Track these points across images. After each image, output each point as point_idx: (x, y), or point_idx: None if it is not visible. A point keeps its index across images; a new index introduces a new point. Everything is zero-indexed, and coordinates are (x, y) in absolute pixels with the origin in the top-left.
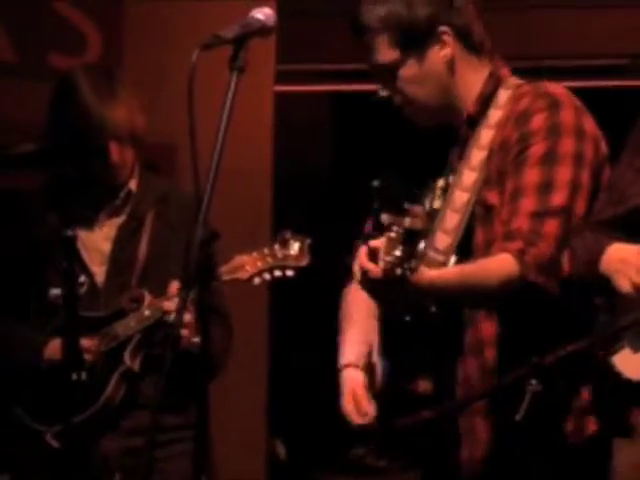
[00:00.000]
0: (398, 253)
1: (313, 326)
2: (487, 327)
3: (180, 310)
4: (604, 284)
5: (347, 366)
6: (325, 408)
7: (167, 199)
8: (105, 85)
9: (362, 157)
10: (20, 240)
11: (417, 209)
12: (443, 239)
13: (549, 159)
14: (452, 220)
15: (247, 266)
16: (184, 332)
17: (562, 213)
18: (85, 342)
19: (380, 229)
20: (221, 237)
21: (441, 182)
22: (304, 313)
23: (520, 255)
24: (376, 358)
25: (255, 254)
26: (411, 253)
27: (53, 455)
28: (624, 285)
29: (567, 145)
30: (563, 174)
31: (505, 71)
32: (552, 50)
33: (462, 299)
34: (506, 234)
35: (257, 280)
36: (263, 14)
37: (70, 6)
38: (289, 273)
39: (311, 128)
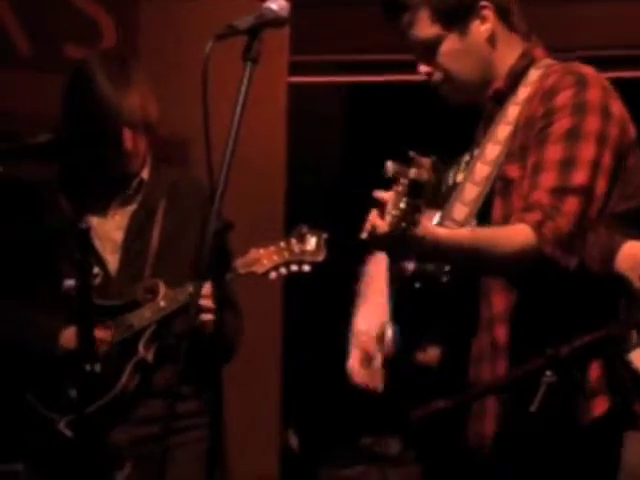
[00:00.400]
0: (403, 205)
1: (326, 318)
2: (499, 301)
3: (197, 295)
4: (619, 282)
5: (360, 333)
6: (337, 399)
7: (178, 187)
8: (119, 72)
9: (376, 148)
10: (33, 229)
11: (424, 160)
12: (461, 210)
13: (572, 135)
14: (471, 192)
15: (263, 260)
16: (208, 316)
17: (583, 192)
18: (100, 332)
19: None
20: (234, 228)
21: (467, 157)
22: (317, 305)
23: (538, 227)
24: (387, 322)
25: (272, 248)
26: (415, 205)
27: (65, 443)
28: (635, 281)
29: (592, 123)
30: (586, 152)
31: (539, 51)
32: (587, 41)
33: (472, 262)
34: (525, 206)
35: (273, 274)
36: (277, 5)
37: None
38: (305, 268)
39: (325, 119)
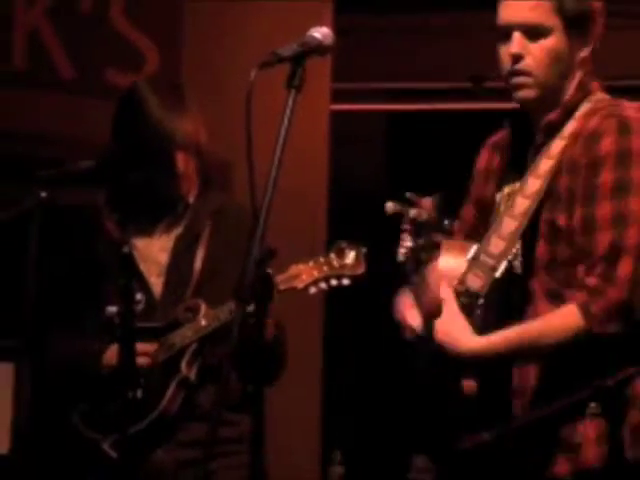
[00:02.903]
0: (409, 244)
1: (367, 339)
2: None
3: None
4: None
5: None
6: (379, 422)
7: (223, 212)
8: (171, 96)
9: (417, 175)
10: (78, 254)
11: (424, 200)
12: (498, 244)
13: (620, 190)
14: (509, 226)
15: (303, 275)
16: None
17: (637, 250)
18: (142, 346)
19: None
20: (278, 254)
21: (517, 184)
22: (358, 327)
23: (586, 307)
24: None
25: (311, 263)
26: (422, 244)
27: (108, 464)
28: None
29: (637, 174)
30: (635, 206)
31: (595, 84)
32: None
33: (523, 356)
34: (579, 281)
35: (313, 289)
36: (320, 33)
37: (128, 23)
38: (345, 282)
39: (366, 146)
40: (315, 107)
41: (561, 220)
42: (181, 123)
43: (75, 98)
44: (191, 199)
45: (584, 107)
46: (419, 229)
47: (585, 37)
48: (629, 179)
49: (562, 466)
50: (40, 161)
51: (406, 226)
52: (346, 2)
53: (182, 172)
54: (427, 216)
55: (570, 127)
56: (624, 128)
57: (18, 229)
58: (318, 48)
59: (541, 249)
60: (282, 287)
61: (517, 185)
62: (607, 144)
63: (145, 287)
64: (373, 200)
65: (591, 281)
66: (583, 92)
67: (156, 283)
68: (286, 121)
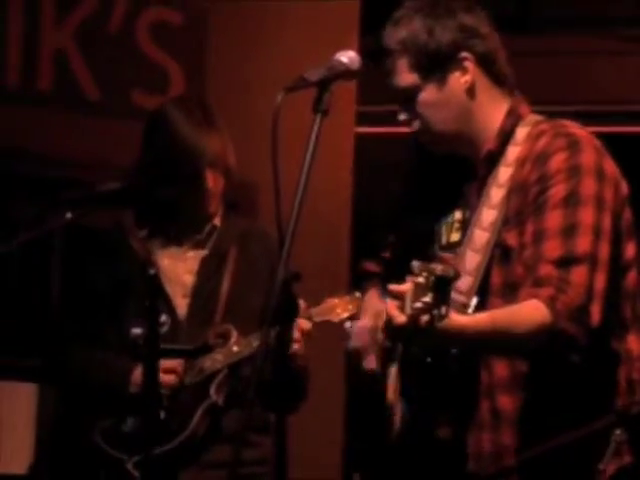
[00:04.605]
0: (428, 300)
1: None
2: (500, 368)
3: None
4: None
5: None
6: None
7: (248, 236)
8: (200, 114)
9: (443, 199)
10: (103, 275)
11: (447, 256)
12: (465, 280)
13: (571, 201)
14: (473, 261)
15: (338, 309)
16: (296, 347)
17: (587, 260)
18: (170, 363)
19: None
20: (301, 277)
21: (458, 214)
22: None
23: (551, 302)
24: (396, 400)
25: (347, 297)
26: (442, 300)
27: None
28: None
29: (588, 187)
30: (586, 217)
31: (524, 108)
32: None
33: (492, 346)
34: (535, 280)
35: (348, 323)
36: (347, 57)
37: (153, 45)
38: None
39: (391, 169)
40: (340, 130)
41: (511, 240)
42: (210, 140)
43: (101, 119)
44: (217, 221)
45: (521, 131)
46: (444, 285)
47: (456, 69)
48: (579, 191)
49: None
50: (65, 182)
51: (419, 279)
52: (372, 23)
53: (211, 189)
54: (453, 272)
55: (513, 153)
56: (574, 145)
57: (42, 249)
58: (345, 73)
59: (495, 274)
60: (317, 319)
61: (467, 213)
62: (558, 161)
63: (170, 308)
64: (398, 224)
65: (552, 280)
66: (514, 117)
67: (181, 304)
68: (312, 146)
